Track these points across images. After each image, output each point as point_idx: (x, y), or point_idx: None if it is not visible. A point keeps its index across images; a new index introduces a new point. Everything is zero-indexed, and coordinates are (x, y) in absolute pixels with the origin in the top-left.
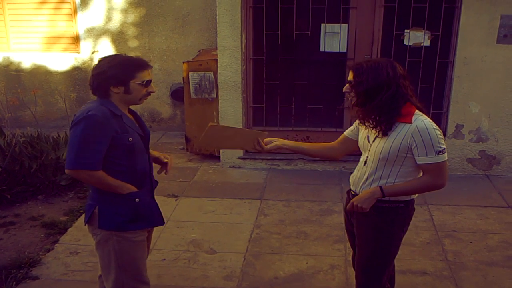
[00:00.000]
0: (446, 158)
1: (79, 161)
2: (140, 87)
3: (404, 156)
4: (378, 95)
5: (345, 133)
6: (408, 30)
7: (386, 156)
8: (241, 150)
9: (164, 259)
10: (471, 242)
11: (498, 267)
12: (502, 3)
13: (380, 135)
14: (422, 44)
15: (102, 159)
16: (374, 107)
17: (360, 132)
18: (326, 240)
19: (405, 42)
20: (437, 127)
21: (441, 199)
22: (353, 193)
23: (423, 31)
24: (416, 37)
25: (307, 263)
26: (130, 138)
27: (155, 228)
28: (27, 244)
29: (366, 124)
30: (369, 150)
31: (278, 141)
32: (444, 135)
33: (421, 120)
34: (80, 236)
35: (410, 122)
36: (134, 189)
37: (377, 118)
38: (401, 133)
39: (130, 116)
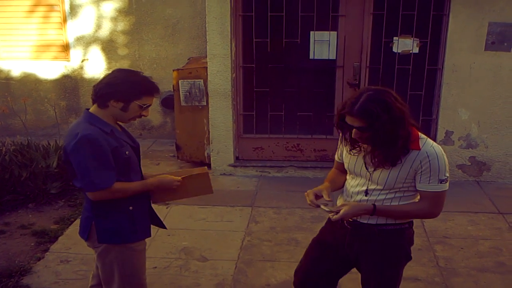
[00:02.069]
0: (448, 187)
1: (91, 183)
2: (139, 109)
3: (411, 182)
4: (395, 137)
5: (336, 158)
6: (396, 38)
7: (392, 184)
8: (232, 157)
9: (156, 267)
10: (462, 248)
11: (489, 273)
12: (490, 11)
13: (388, 167)
14: (410, 51)
15: (112, 170)
16: (394, 150)
17: (348, 156)
18: None
19: (394, 50)
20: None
21: None
22: (350, 220)
23: (412, 38)
24: (405, 45)
25: None
26: (126, 152)
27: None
28: (17, 253)
29: (374, 161)
30: (369, 180)
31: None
32: (434, 141)
33: (430, 145)
34: (71, 244)
35: (419, 149)
36: (155, 181)
37: (389, 154)
38: (409, 160)
39: (119, 128)
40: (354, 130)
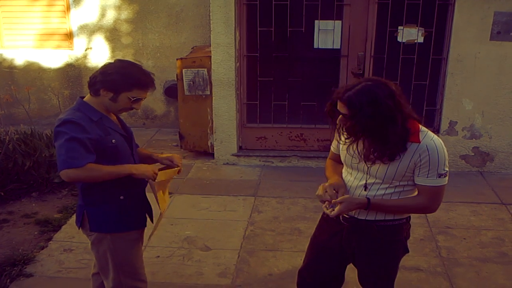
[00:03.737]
0: (447, 182)
1: (64, 161)
2: (128, 100)
3: (410, 175)
4: (384, 131)
5: (332, 149)
6: (401, 27)
7: (391, 177)
8: (236, 147)
9: (159, 256)
10: (464, 239)
11: (492, 263)
12: (496, 0)
13: (386, 162)
14: (415, 41)
15: (90, 154)
16: (386, 147)
17: (344, 149)
18: None
19: (399, 39)
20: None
21: None
22: (346, 216)
23: (417, 28)
24: (410, 34)
25: (301, 259)
26: (113, 140)
27: (149, 225)
28: (21, 242)
29: (366, 154)
30: (367, 173)
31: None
32: (438, 131)
33: (430, 138)
34: (74, 233)
35: (419, 141)
36: (133, 168)
37: (384, 151)
38: (408, 152)
39: (113, 117)
40: (340, 116)
